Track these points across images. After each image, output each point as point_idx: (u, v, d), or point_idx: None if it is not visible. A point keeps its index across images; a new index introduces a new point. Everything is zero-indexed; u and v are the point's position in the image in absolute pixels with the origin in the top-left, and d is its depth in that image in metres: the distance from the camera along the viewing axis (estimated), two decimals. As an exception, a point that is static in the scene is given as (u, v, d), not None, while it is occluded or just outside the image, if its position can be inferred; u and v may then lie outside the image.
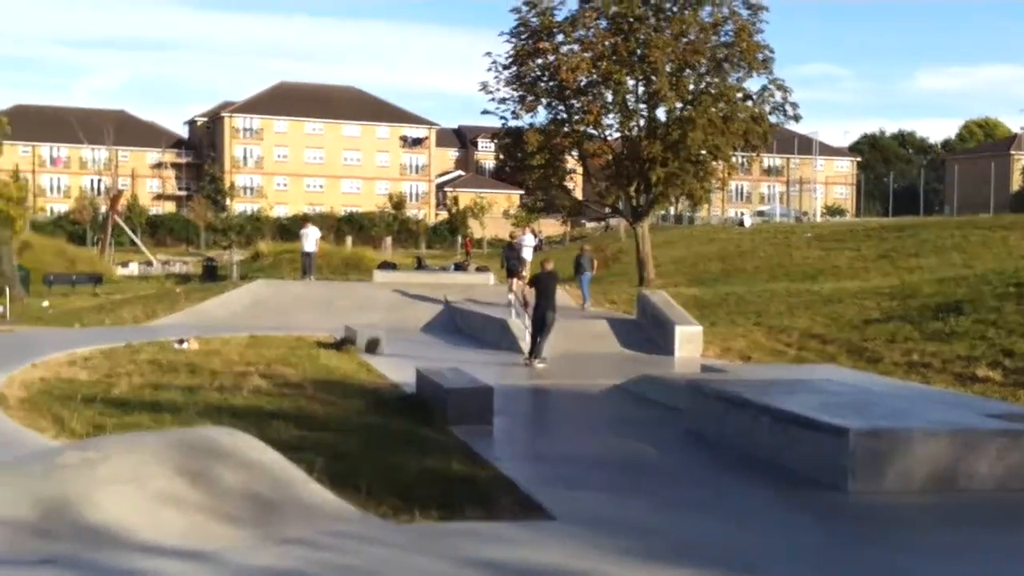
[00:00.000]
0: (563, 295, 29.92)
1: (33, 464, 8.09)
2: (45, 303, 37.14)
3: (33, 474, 7.71)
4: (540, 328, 20.61)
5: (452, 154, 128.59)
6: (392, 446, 11.74)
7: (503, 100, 36.57)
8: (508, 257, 29.41)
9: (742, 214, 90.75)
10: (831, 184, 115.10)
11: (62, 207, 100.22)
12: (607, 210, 45.10)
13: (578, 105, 36.36)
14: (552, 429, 14.87)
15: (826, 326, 24.18)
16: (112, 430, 11.67)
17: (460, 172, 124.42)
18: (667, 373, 19.25)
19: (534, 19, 35.72)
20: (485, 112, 37.27)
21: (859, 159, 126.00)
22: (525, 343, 22.59)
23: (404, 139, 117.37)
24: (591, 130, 37.05)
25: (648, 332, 24.59)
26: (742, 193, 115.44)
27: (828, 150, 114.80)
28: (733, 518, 9.28)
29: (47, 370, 17.07)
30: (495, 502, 9.30)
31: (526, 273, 32.99)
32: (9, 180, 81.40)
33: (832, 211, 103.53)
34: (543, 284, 20.86)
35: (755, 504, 9.97)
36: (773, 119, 36.63)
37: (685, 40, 35.12)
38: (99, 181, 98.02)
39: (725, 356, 22.72)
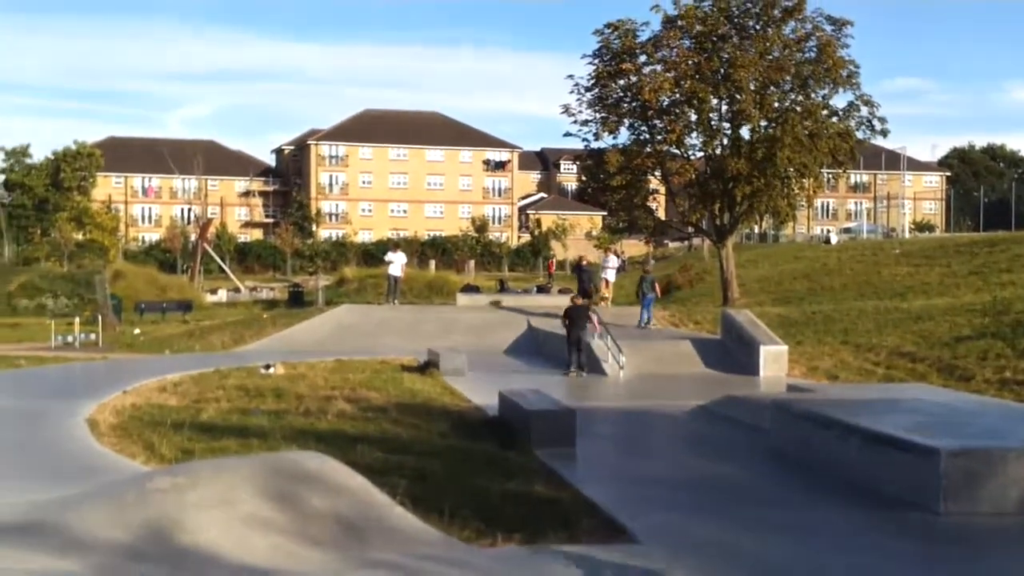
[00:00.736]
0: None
1: (125, 489, 8.26)
2: (137, 330, 37.91)
3: (126, 499, 7.87)
4: (576, 348, 23.10)
5: (534, 177, 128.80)
6: (475, 469, 11.78)
7: (585, 122, 36.55)
8: (579, 279, 30.12)
9: (828, 231, 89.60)
10: (919, 199, 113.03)
11: (154, 236, 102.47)
12: (690, 229, 44.82)
13: (661, 125, 36.20)
14: (635, 451, 14.79)
15: (916, 344, 23.73)
16: (201, 455, 11.88)
17: (542, 194, 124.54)
18: (752, 393, 19.09)
19: (616, 41, 35.68)
20: (567, 134, 37.26)
21: (948, 173, 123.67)
22: (608, 364, 22.94)
23: (487, 163, 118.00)
24: (674, 149, 36.89)
25: (733, 352, 24.36)
26: (828, 210, 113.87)
27: (916, 165, 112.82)
28: (819, 540, 9.15)
29: (138, 396, 17.45)
30: (578, 525, 9.27)
31: (608, 294, 33.22)
32: (103, 211, 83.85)
33: (921, 227, 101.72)
34: (574, 315, 23.47)
35: (842, 526, 9.81)
36: (860, 135, 36.11)
37: (769, 58, 34.83)
38: (189, 210, 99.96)
39: (811, 375, 22.42)
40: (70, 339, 33.29)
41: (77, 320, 36.20)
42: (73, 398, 16.80)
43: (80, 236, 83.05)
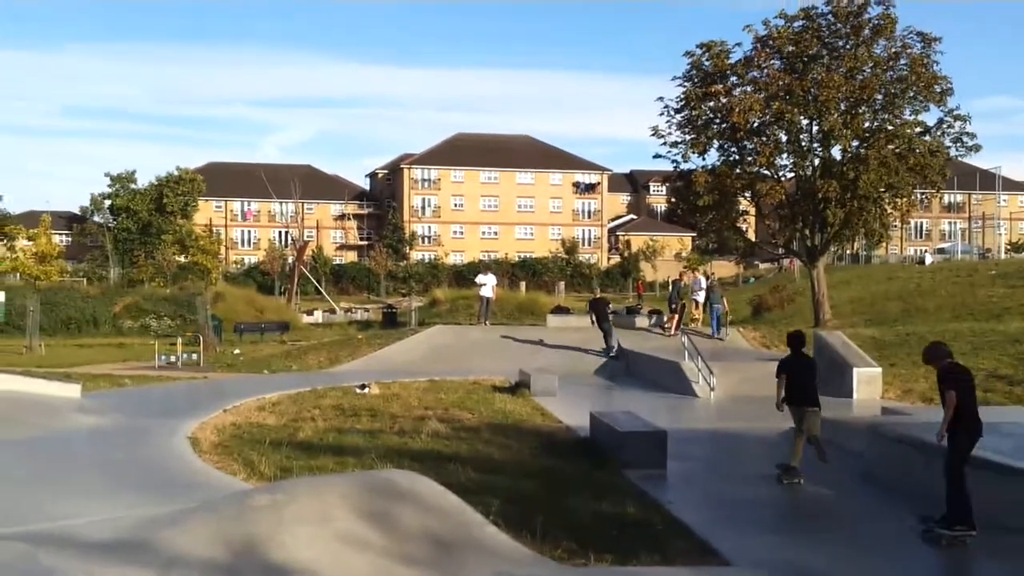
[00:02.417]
0: (737, 337, 29.76)
1: (226, 505, 8.51)
2: (236, 351, 38.63)
3: (226, 515, 8.11)
4: (608, 333, 28.88)
5: (624, 198, 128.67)
6: (566, 489, 11.86)
7: (675, 143, 36.46)
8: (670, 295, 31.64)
9: (923, 252, 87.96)
10: (1015, 220, 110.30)
11: (252, 259, 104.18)
12: (781, 250, 44.38)
13: (751, 146, 35.99)
14: (726, 473, 14.74)
15: (1013, 367, 23.23)
16: (298, 472, 12.14)
17: (632, 216, 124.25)
18: (844, 416, 18.87)
19: (707, 62, 35.60)
20: (657, 156, 37.18)
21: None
22: (699, 386, 23.28)
23: (576, 185, 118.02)
24: (764, 171, 36.63)
25: (825, 374, 24.00)
26: (921, 230, 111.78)
27: (1011, 185, 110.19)
28: (916, 564, 9.07)
29: (238, 415, 17.85)
30: (670, 546, 9.31)
31: (699, 315, 33.19)
32: (205, 234, 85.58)
33: (1017, 248, 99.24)
34: (597, 307, 29.57)
35: (939, 550, 9.71)
36: (952, 152, 35.44)
37: (859, 77, 34.45)
38: (286, 233, 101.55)
39: (906, 398, 22.08)
40: (172, 359, 34.07)
41: (179, 340, 37.02)
42: (175, 416, 17.23)
43: (183, 259, 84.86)
